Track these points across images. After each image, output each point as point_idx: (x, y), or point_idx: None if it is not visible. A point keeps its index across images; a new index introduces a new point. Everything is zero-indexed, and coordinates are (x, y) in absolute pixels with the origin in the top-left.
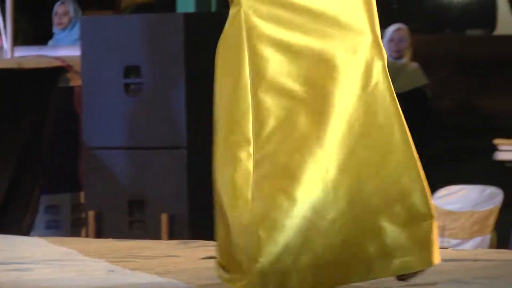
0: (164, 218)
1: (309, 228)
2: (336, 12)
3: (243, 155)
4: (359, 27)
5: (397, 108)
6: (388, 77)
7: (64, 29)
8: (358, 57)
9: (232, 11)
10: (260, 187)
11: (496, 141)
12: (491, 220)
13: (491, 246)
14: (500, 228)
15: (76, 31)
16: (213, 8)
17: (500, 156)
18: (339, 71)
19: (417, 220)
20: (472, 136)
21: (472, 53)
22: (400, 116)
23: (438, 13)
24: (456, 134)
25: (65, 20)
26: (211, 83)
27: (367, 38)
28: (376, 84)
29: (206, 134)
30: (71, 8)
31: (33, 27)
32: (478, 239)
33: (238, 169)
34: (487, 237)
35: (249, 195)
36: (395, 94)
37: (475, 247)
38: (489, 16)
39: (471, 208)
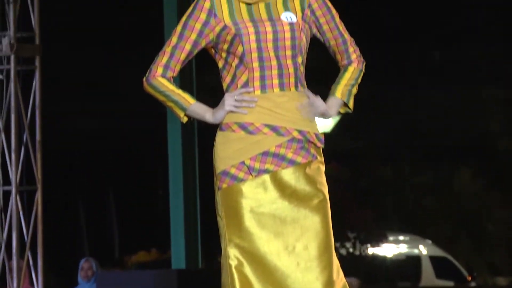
0: None
1: None
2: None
3: None
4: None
5: None
6: None
7: (88, 281)
8: None
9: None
10: None
11: None
12: None
13: None
14: None
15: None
16: (200, 265)
17: None
18: None
19: None
20: None
21: None
22: None
23: (374, 267)
24: None
25: (89, 273)
26: None
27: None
28: None
29: None
30: (93, 264)
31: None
32: None
33: None
34: None
35: None
36: None
37: None
38: (415, 271)
39: None
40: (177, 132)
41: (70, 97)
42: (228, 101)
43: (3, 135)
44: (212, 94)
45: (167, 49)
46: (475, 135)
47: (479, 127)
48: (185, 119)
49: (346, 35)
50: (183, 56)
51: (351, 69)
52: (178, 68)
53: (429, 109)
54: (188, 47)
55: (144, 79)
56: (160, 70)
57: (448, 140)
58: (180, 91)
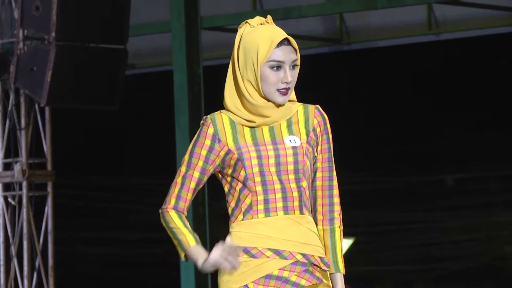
0: None
1: None
2: None
3: None
4: None
5: None
6: None
7: None
8: None
9: None
10: None
11: None
12: None
13: None
14: None
15: None
16: None
17: None
18: None
19: None
20: None
21: None
22: None
23: None
24: None
25: None
26: None
27: None
28: None
29: None
30: None
31: None
32: None
33: None
34: None
35: None
36: None
37: None
38: None
39: None
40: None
41: (82, 223)
42: (215, 253)
43: (15, 261)
44: (225, 221)
45: (178, 179)
46: (488, 258)
47: (492, 250)
48: (187, 259)
49: (334, 181)
50: (193, 184)
51: (337, 232)
52: (189, 196)
53: (442, 232)
54: (196, 175)
55: (160, 210)
56: (172, 201)
57: (460, 263)
58: (185, 230)
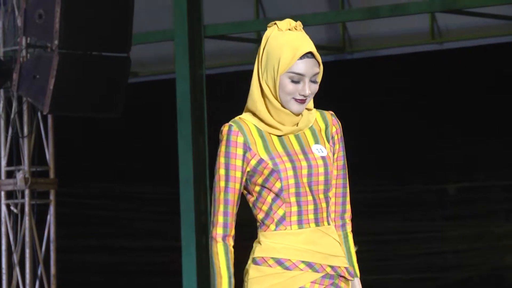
0: None
1: None
2: None
3: None
4: None
5: None
6: None
7: None
8: None
9: None
10: None
11: None
12: None
13: None
14: None
15: None
16: None
17: None
18: None
19: None
20: None
21: None
22: None
23: None
24: None
25: None
26: None
27: None
28: None
29: None
30: None
31: None
32: None
33: None
34: None
35: None
36: None
37: None
38: None
39: None
40: (191, 263)
41: (84, 231)
42: None
43: (17, 269)
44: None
45: (220, 196)
46: (490, 267)
47: (495, 259)
48: None
49: (347, 189)
50: (236, 197)
51: (350, 236)
52: (235, 211)
53: (444, 241)
54: (237, 186)
55: (210, 234)
56: (219, 230)
57: (462, 273)
58: (224, 273)
